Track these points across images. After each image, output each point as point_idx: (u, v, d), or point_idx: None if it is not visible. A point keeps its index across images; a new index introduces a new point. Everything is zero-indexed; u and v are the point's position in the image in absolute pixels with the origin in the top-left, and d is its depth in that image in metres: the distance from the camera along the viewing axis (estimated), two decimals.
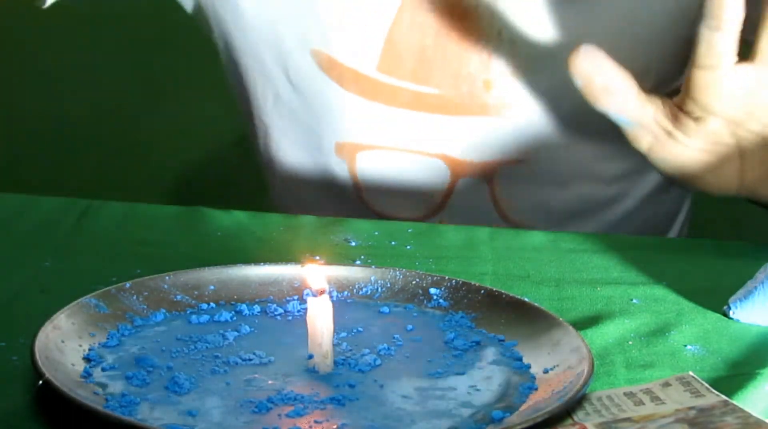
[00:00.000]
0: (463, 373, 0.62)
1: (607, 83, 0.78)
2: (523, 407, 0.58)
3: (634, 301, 0.74)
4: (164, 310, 0.67)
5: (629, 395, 0.59)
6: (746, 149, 0.81)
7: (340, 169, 1.00)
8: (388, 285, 0.71)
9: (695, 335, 0.69)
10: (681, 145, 0.81)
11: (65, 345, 0.61)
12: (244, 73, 1.03)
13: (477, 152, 0.98)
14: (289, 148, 1.03)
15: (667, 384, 0.60)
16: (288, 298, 0.69)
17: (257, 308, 0.68)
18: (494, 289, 0.69)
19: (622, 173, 1.01)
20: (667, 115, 0.80)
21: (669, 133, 0.80)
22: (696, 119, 0.79)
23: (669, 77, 0.97)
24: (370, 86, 0.97)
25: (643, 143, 0.81)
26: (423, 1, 0.95)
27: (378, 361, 0.62)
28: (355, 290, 0.70)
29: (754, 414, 0.56)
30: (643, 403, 0.58)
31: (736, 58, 0.76)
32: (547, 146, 0.97)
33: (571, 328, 0.64)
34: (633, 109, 0.79)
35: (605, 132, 0.91)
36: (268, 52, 1.00)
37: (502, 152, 0.97)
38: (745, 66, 0.76)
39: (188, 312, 0.67)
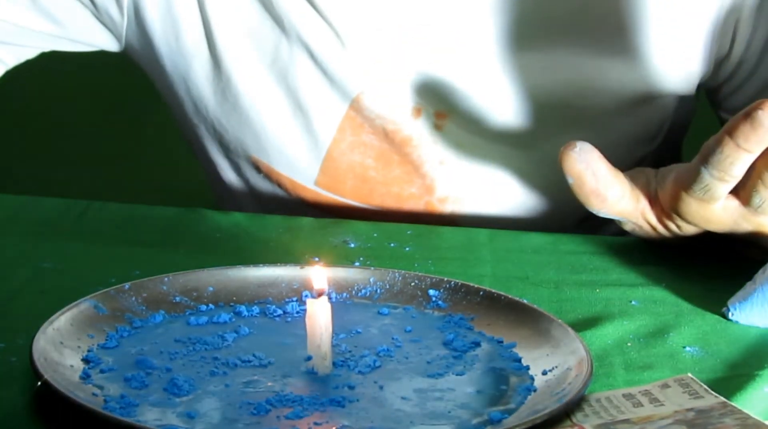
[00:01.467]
0: (462, 375, 0.62)
1: (599, 188, 0.75)
2: (522, 409, 0.58)
3: (633, 302, 0.74)
4: (163, 312, 0.67)
5: (628, 397, 0.59)
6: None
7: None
8: (387, 286, 0.71)
9: (694, 337, 0.69)
10: (664, 235, 0.80)
11: (64, 346, 0.60)
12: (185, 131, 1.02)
13: None
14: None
15: (665, 385, 0.60)
16: (287, 300, 0.69)
17: (256, 309, 0.68)
18: (493, 291, 0.69)
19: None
20: (654, 213, 0.79)
21: (653, 228, 0.79)
22: (680, 227, 0.78)
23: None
24: (310, 195, 0.96)
25: (627, 228, 0.80)
26: (363, 123, 0.93)
27: (377, 363, 0.62)
28: (354, 291, 0.70)
29: (753, 415, 0.56)
30: (642, 405, 0.58)
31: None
32: None
33: (570, 329, 0.64)
34: (624, 211, 0.78)
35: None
36: (210, 142, 0.99)
37: None
38: (734, 200, 0.75)
39: (187, 313, 0.67)
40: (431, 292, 0.70)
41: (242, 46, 0.93)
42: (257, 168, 0.97)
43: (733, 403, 0.58)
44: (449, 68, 0.92)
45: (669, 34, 0.92)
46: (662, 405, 0.58)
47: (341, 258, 0.79)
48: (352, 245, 0.82)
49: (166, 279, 0.68)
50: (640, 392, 0.60)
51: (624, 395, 0.60)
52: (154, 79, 0.99)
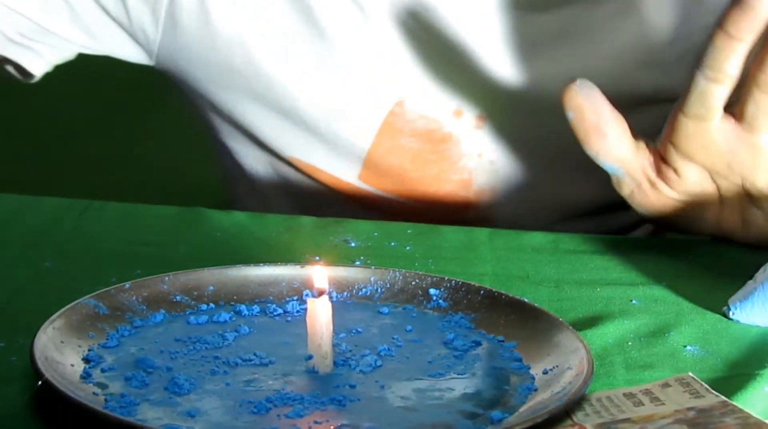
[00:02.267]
0: (462, 374, 0.62)
1: (599, 123, 0.75)
2: (523, 408, 0.58)
3: (634, 301, 0.74)
4: (164, 311, 0.67)
5: (629, 396, 0.59)
6: (726, 198, 0.80)
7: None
8: (388, 285, 0.71)
9: (695, 336, 0.69)
10: (662, 195, 0.80)
11: (64, 345, 0.60)
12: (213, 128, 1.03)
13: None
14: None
15: (666, 385, 0.60)
16: (287, 299, 0.69)
17: (256, 309, 0.68)
18: (494, 290, 0.69)
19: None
20: (652, 165, 0.78)
21: (652, 183, 0.79)
22: (678, 170, 0.78)
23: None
24: (351, 190, 0.97)
25: (626, 189, 0.80)
26: (403, 128, 0.94)
27: (378, 362, 0.62)
28: (354, 291, 0.70)
29: (754, 415, 0.56)
30: (643, 404, 0.58)
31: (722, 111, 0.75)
32: None
33: (570, 328, 0.64)
34: (624, 157, 0.77)
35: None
36: (242, 141, 1.00)
37: None
38: (730, 121, 0.74)
39: (187, 313, 0.67)
40: (432, 291, 0.70)
41: (282, 53, 0.93)
42: (298, 167, 0.98)
43: (733, 403, 0.58)
44: (487, 72, 0.92)
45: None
46: (663, 404, 0.58)
47: (342, 257, 0.79)
48: (353, 244, 0.82)
49: (166, 278, 0.68)
50: (640, 391, 0.60)
51: (624, 394, 0.60)
52: (185, 91, 1.00)
